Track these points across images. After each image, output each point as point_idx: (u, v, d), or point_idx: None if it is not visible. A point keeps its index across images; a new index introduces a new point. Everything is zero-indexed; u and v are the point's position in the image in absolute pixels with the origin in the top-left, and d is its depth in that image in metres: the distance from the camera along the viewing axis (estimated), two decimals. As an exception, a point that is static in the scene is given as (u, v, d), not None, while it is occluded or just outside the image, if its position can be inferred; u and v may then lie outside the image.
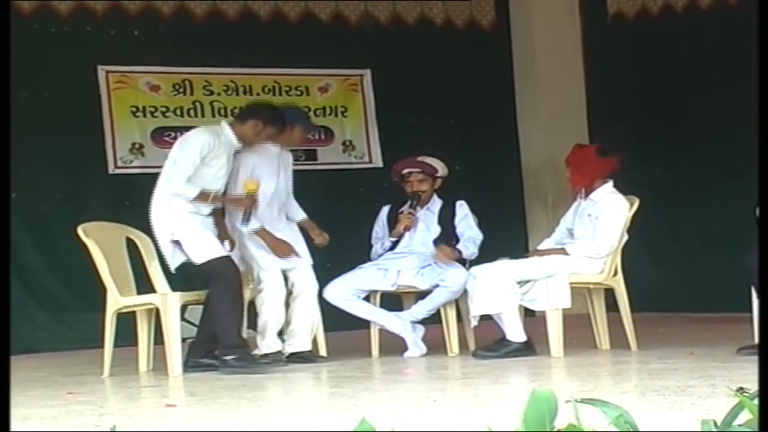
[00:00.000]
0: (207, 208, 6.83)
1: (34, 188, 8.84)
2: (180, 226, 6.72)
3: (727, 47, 9.20)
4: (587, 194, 7.01)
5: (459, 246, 7.33)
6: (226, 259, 6.71)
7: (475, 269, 7.01)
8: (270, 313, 6.94)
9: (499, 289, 6.78)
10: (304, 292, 7.09)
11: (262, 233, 7.00)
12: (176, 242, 6.74)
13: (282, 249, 7.03)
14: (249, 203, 6.92)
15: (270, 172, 7.14)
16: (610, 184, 7.02)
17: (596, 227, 6.90)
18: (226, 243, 6.88)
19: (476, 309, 6.87)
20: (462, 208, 7.53)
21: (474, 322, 7.02)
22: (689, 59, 9.73)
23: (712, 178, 9.41)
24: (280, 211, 7.23)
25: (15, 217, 8.48)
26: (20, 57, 8.80)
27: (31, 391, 6.00)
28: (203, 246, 6.70)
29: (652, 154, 9.77)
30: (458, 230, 7.46)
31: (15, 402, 5.25)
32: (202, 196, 6.74)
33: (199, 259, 6.69)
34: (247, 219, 6.92)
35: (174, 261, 6.78)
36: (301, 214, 7.42)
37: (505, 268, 6.89)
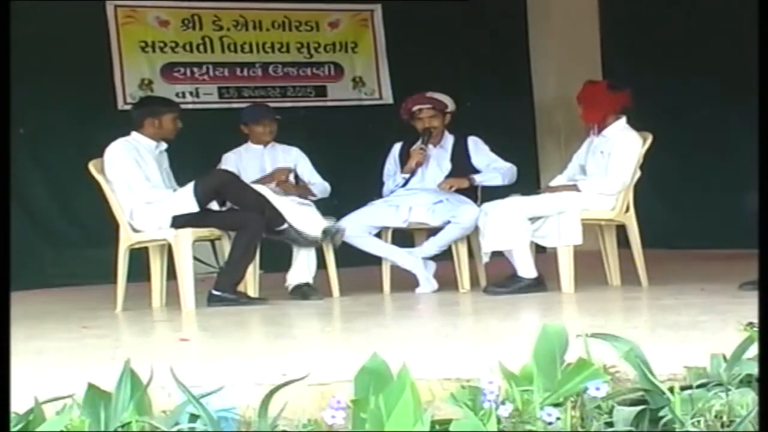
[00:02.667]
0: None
1: (42, 124, 8.84)
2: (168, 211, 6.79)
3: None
4: (600, 131, 6.99)
5: (477, 177, 7.32)
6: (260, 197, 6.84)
7: (486, 206, 7.01)
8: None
9: (510, 226, 6.78)
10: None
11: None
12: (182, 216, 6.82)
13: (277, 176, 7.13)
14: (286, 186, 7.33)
15: (253, 171, 7.32)
16: (623, 120, 6.99)
17: (609, 164, 6.88)
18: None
19: (488, 245, 6.87)
20: (475, 143, 7.52)
21: (486, 259, 7.02)
22: (706, 4, 9.63)
23: (724, 116, 9.37)
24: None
25: (22, 154, 8.54)
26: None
27: (46, 324, 6.05)
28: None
29: (665, 92, 9.71)
30: (476, 164, 7.45)
31: (31, 334, 5.34)
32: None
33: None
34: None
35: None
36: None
37: (516, 204, 6.89)
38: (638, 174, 6.98)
